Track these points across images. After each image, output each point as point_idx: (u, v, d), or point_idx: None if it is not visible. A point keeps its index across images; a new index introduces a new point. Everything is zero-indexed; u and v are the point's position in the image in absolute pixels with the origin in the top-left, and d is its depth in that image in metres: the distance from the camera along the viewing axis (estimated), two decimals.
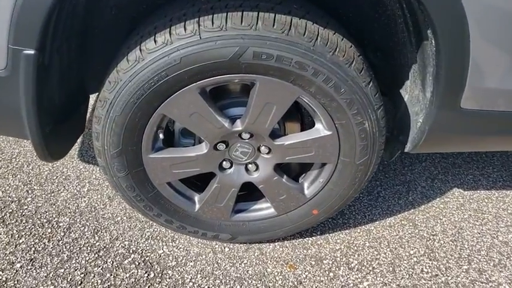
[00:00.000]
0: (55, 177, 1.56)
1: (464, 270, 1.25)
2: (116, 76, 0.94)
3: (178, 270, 1.22)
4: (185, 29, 0.87)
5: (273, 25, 0.88)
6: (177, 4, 0.97)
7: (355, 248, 1.31)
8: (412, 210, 1.46)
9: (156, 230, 1.34)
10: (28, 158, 1.64)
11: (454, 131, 1.08)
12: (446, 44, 0.89)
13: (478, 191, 1.56)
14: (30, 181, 1.53)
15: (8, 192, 1.47)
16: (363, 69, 0.97)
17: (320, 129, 1.06)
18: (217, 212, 1.23)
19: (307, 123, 1.19)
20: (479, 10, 0.86)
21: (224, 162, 1.15)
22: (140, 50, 0.90)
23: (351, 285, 1.20)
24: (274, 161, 1.13)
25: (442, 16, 0.84)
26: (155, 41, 0.89)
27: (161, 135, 1.05)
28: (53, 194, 1.48)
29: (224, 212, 1.23)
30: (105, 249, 1.27)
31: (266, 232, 1.28)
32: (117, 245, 1.29)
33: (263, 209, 1.26)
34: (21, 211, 1.40)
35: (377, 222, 1.41)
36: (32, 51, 0.85)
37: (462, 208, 1.47)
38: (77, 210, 1.41)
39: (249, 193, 1.26)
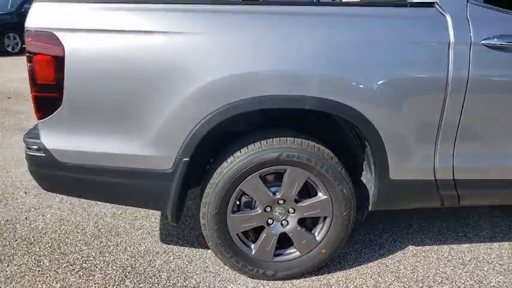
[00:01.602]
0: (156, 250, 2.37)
1: None
2: (219, 170, 1.91)
3: None
4: (254, 145, 1.89)
5: (294, 142, 1.91)
6: (253, 133, 1.99)
7: (350, 279, 2.11)
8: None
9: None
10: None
11: (389, 195, 2.02)
12: (374, 147, 1.91)
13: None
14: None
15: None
16: (337, 162, 1.97)
17: (320, 195, 2.00)
18: (264, 254, 2.05)
19: (312, 193, 2.12)
20: (385, 124, 1.87)
21: (269, 220, 2.03)
22: (233, 156, 1.90)
23: None
24: (297, 217, 2.03)
25: (367, 132, 1.87)
26: (240, 151, 1.90)
27: (237, 202, 1.97)
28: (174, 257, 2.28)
29: (269, 255, 2.06)
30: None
31: (295, 269, 2.09)
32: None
33: (292, 253, 2.09)
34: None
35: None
36: (187, 159, 1.84)
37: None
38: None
39: (282, 244, 2.11)
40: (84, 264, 2.24)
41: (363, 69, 1.79)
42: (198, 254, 2.33)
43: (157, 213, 2.78)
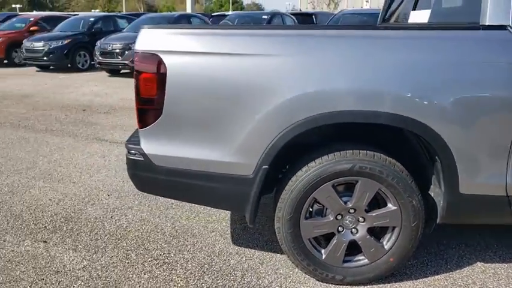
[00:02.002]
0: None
1: None
2: (295, 178, 2.08)
3: None
4: (328, 156, 2.05)
5: (366, 155, 2.05)
6: (327, 145, 2.15)
7: None
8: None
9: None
10: None
11: (459, 209, 2.09)
12: (444, 162, 2.00)
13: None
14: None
15: None
16: (408, 175, 2.08)
17: (390, 206, 2.11)
18: (334, 259, 2.18)
19: (381, 204, 2.22)
20: (456, 141, 1.96)
21: (339, 227, 2.17)
22: (307, 165, 2.07)
23: None
24: (367, 226, 2.14)
25: (438, 148, 1.97)
26: (315, 162, 2.06)
27: (310, 209, 2.13)
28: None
29: (338, 260, 2.18)
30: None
31: (363, 275, 2.20)
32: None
33: (360, 260, 2.21)
34: None
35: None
36: (266, 166, 2.03)
37: None
38: None
39: (351, 251, 2.23)
40: (166, 260, 2.48)
41: (436, 89, 1.91)
42: (268, 256, 2.50)
43: (228, 217, 2.99)
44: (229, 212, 3.03)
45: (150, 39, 2.04)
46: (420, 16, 2.72)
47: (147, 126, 2.11)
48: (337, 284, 2.22)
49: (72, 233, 2.79)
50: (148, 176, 2.20)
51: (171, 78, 2.01)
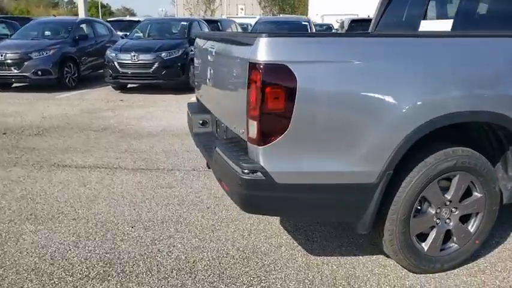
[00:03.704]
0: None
1: None
2: (408, 179, 2.19)
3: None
4: (436, 156, 2.22)
5: (463, 151, 2.27)
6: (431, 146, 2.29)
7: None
8: None
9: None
10: None
11: None
12: None
13: None
14: None
15: None
16: (490, 165, 2.38)
17: (476, 194, 2.38)
18: (434, 250, 2.36)
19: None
20: None
21: (437, 220, 2.36)
22: (418, 166, 2.20)
23: None
24: (459, 215, 2.38)
25: None
26: (424, 162, 2.21)
27: (418, 207, 2.27)
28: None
29: (437, 250, 2.37)
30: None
31: (455, 260, 2.43)
32: None
33: (451, 246, 2.43)
34: None
35: None
36: (391, 172, 2.09)
37: None
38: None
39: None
40: (263, 284, 2.33)
41: None
42: (354, 260, 2.56)
43: (281, 229, 2.92)
44: (278, 220, 2.98)
45: (276, 49, 1.93)
46: (439, 25, 3.09)
47: (270, 142, 1.98)
48: (436, 272, 2.41)
49: (131, 279, 2.39)
50: (266, 195, 2.06)
51: (301, 89, 1.93)
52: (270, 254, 2.63)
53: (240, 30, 14.97)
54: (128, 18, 15.73)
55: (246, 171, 2.02)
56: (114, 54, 8.24)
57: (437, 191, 2.28)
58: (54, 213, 3.20)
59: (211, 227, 2.97)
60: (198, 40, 3.27)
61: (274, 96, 1.93)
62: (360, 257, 2.60)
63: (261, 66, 1.91)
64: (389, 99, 2.03)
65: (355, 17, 13.04)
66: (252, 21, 20.70)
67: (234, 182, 2.09)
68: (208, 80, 2.77)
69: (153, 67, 8.01)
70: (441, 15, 3.21)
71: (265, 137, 1.97)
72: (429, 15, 3.26)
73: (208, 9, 36.01)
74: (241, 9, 35.94)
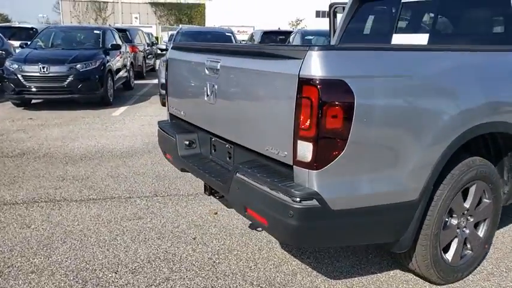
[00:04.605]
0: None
1: None
2: (439, 192, 2.16)
3: None
4: (462, 167, 2.23)
5: (480, 161, 2.33)
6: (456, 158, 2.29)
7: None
8: None
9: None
10: None
11: None
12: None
13: None
14: None
15: None
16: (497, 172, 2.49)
17: (486, 200, 2.47)
18: (456, 260, 2.38)
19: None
20: None
21: (458, 229, 2.38)
22: (446, 178, 2.18)
23: None
24: (474, 222, 2.44)
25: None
26: (452, 174, 2.20)
27: (446, 219, 2.26)
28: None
29: (457, 259, 2.40)
30: None
31: (472, 266, 2.49)
32: None
33: (467, 254, 2.48)
34: None
35: None
36: (431, 187, 2.03)
37: None
38: None
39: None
40: None
41: None
42: (383, 278, 2.46)
43: (295, 250, 2.70)
44: (278, 245, 2.75)
45: (332, 63, 1.73)
46: (414, 39, 3.18)
47: (326, 165, 1.77)
48: (457, 281, 2.43)
49: None
50: (323, 224, 1.84)
51: (359, 107, 1.76)
52: (288, 285, 2.40)
53: (147, 39, 14.23)
54: (17, 24, 13.77)
55: (297, 199, 1.78)
56: (16, 66, 7.05)
57: (460, 202, 2.30)
58: (0, 268, 2.50)
59: (210, 262, 2.61)
60: (176, 52, 2.88)
61: (332, 114, 1.73)
62: (379, 274, 2.51)
63: (317, 82, 1.70)
64: (439, 113, 1.98)
65: (267, 29, 13.26)
66: (149, 30, 19.91)
67: (280, 213, 1.83)
68: (208, 97, 2.43)
69: (67, 80, 7.04)
70: (414, 29, 3.33)
71: (320, 160, 1.76)
72: (400, 28, 3.37)
73: (99, 17, 33.52)
74: (136, 18, 34.28)
